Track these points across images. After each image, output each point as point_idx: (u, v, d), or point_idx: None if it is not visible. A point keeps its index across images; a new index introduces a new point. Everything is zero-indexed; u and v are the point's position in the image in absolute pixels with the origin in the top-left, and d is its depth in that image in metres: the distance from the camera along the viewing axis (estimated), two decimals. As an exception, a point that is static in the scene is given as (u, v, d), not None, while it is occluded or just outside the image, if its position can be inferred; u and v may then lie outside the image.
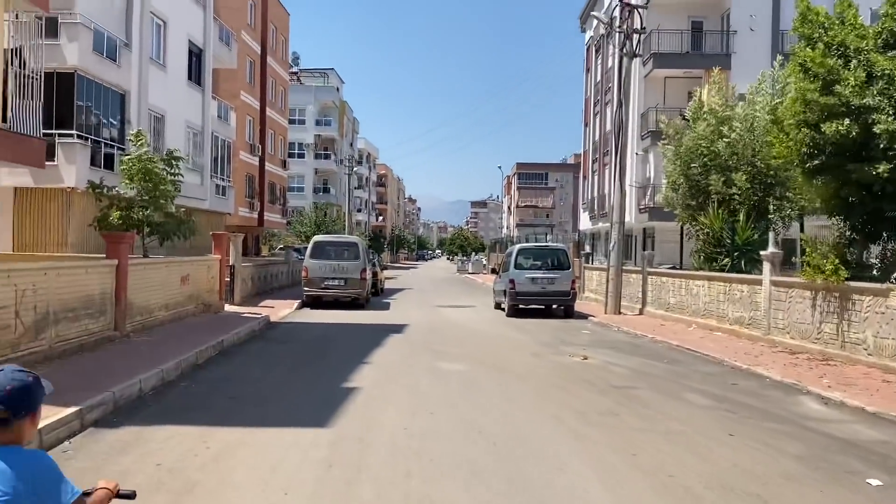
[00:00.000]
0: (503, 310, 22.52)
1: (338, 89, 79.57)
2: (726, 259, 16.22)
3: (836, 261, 11.32)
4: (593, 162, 45.06)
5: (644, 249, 30.14)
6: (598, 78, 43.91)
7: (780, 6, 33.34)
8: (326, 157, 74.09)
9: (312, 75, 79.36)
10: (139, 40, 24.77)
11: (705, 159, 17.59)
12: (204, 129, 30.93)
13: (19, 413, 2.22)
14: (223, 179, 34.24)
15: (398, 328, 16.86)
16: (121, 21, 23.98)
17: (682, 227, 19.61)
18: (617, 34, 20.81)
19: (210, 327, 14.57)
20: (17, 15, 16.53)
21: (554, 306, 21.11)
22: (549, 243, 24.96)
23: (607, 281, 20.98)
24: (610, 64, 40.47)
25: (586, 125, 48.06)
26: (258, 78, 45.06)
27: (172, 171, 17.45)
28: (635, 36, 20.81)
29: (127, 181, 17.11)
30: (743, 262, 15.87)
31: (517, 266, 20.25)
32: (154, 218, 16.87)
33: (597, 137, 44.27)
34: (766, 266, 13.93)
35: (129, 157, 17.19)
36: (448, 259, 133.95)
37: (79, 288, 10.58)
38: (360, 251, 22.75)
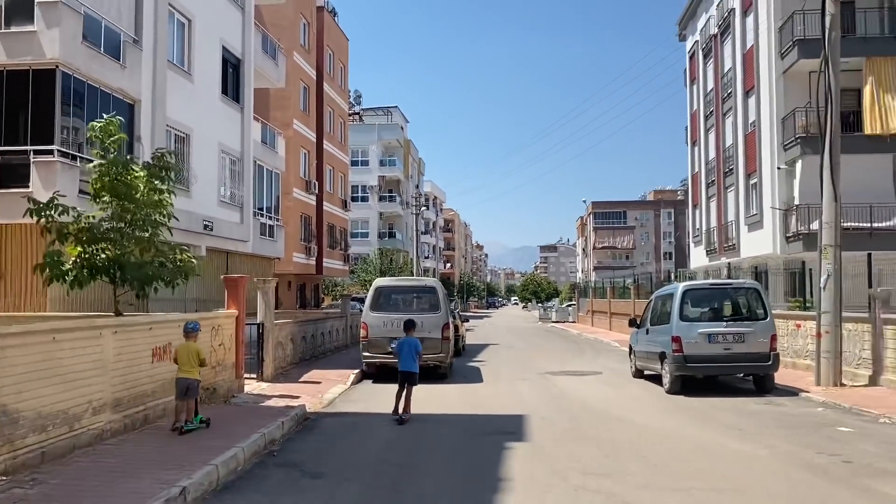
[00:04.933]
0: (649, 378, 15.53)
1: (402, 128, 74.49)
2: None
3: None
4: (708, 185, 37.73)
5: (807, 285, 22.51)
6: (711, 86, 36.87)
7: (964, -29, 25.93)
8: (391, 199, 68.62)
9: (375, 114, 74.61)
10: (153, 38, 19.30)
11: None
12: (244, 156, 25.29)
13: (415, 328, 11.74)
14: (271, 217, 28.48)
15: (513, 426, 10.12)
16: (128, 13, 18.60)
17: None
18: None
19: (184, 445, 8.13)
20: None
21: (741, 375, 14.02)
22: (731, 280, 17.78)
23: (818, 335, 13.78)
24: (728, 65, 33.51)
25: (694, 144, 40.88)
26: (314, 107, 39.79)
27: (164, 185, 11.23)
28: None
29: (93, 200, 11.08)
30: None
31: (683, 316, 13.27)
32: (133, 257, 10.70)
33: (711, 156, 37.04)
34: None
35: (96, 163, 11.06)
36: (523, 307, 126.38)
37: None
38: (440, 299, 16.22)
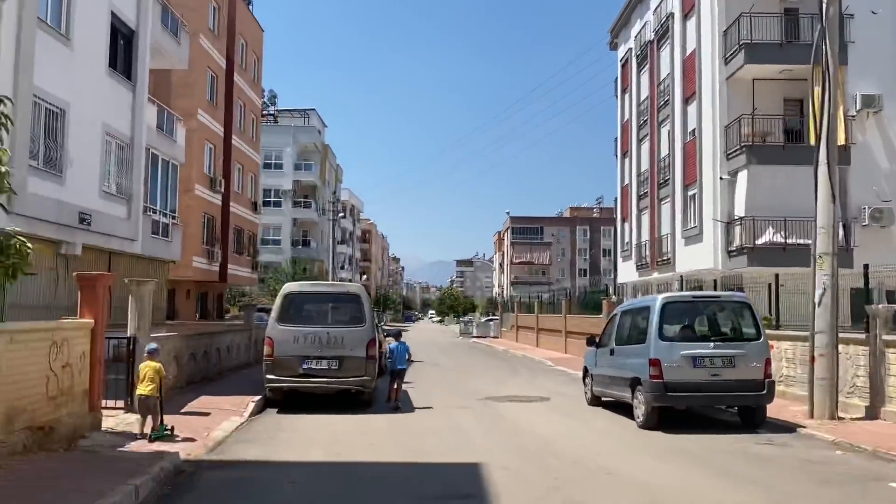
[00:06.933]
0: (608, 407, 13.19)
1: (319, 132, 71.09)
2: None
3: None
4: (640, 198, 36.31)
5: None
6: (645, 94, 35.55)
7: (910, -21, 25.24)
8: (307, 205, 65.01)
9: (291, 115, 70.91)
10: (17, -13, 15.82)
11: None
12: (134, 141, 21.74)
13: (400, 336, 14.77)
14: (165, 215, 24.91)
15: (471, 484, 7.45)
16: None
17: None
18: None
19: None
20: None
21: (724, 406, 11.82)
22: (719, 293, 15.47)
23: (812, 359, 11.76)
24: (666, 72, 32.16)
25: (625, 155, 39.54)
26: (222, 99, 36.21)
27: None
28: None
29: None
30: None
31: (663, 334, 10.96)
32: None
33: (644, 167, 35.65)
34: None
35: None
36: (438, 321, 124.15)
37: None
38: (365, 310, 13.40)
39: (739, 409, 11.50)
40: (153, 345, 10.22)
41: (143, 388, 9.58)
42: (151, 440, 9.26)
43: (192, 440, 9.49)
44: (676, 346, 10.89)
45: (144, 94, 22.52)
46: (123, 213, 21.07)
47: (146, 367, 9.79)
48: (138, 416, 10.18)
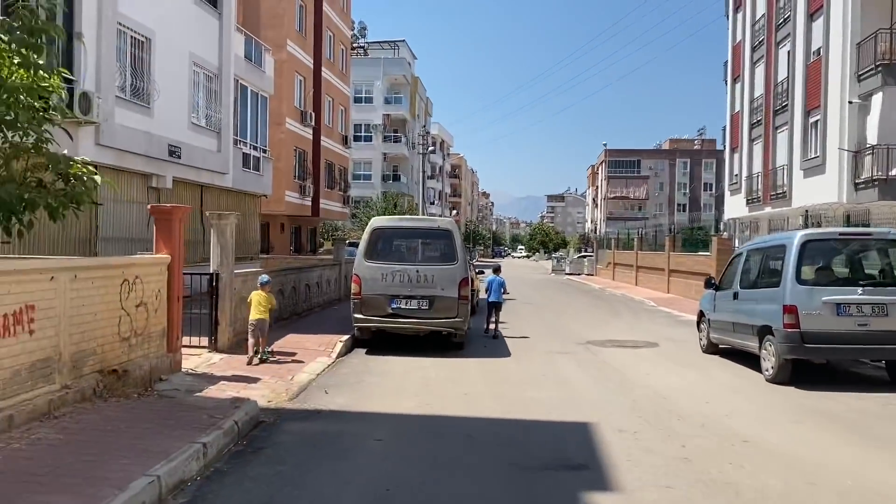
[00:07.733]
0: (726, 355, 11.85)
1: (409, 63, 69.66)
2: None
3: None
4: (752, 126, 33.49)
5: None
6: (761, 12, 32.34)
7: None
8: (396, 140, 64.25)
9: (381, 47, 69.65)
10: None
11: None
12: (222, 72, 21.21)
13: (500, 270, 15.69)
14: (256, 148, 24.53)
15: (581, 449, 6.46)
16: None
17: None
18: None
19: None
20: None
21: (871, 361, 10.33)
22: (870, 229, 13.79)
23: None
24: (789, -16, 28.94)
25: (736, 80, 36.46)
26: (311, 29, 35.37)
27: (39, 57, 7.11)
28: None
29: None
30: None
31: (801, 277, 9.47)
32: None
33: (758, 92, 32.73)
34: None
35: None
36: (527, 256, 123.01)
37: None
38: (457, 246, 12.41)
39: (888, 364, 9.96)
40: (265, 277, 10.96)
41: (256, 314, 10.27)
42: (258, 363, 10.08)
43: (301, 361, 10.41)
44: (817, 290, 9.38)
45: (231, 23, 21.87)
46: (213, 145, 20.74)
47: (258, 296, 10.45)
48: (222, 356, 9.77)
